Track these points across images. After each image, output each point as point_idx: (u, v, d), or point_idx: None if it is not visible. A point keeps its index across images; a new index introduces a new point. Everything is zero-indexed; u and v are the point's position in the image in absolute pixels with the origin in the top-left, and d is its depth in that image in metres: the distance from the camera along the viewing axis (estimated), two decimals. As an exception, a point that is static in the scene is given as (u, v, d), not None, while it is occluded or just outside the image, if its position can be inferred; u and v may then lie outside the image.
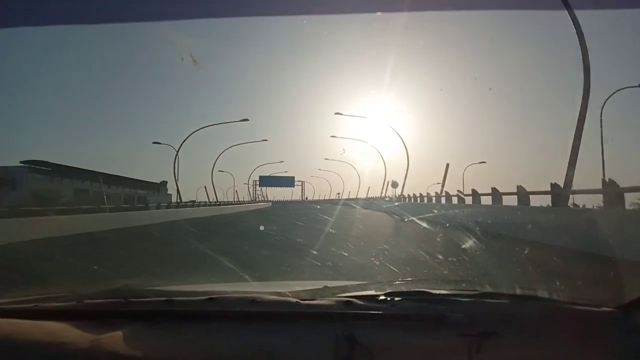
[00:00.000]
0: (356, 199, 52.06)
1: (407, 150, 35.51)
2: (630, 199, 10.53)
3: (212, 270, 5.77)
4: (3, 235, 10.73)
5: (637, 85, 24.86)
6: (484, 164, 46.67)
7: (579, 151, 11.22)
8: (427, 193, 26.42)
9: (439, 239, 9.70)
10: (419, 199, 27.67)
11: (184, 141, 35.83)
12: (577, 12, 11.09)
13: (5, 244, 10.23)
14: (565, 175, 11.01)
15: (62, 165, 40.56)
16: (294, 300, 1.12)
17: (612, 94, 25.13)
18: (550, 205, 10.87)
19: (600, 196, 10.08)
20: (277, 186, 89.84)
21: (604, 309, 1.06)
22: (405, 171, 36.70)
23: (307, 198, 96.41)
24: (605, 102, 24.59)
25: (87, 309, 1.15)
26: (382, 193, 44.19)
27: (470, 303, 1.10)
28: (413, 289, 1.24)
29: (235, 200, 60.46)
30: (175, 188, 38.68)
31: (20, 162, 38.33)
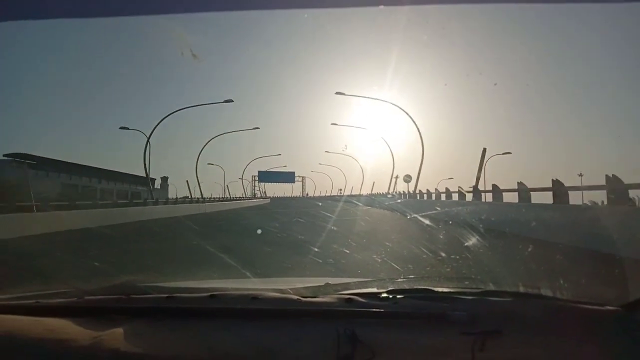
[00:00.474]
0: (359, 196, 49.97)
1: (421, 136, 30.87)
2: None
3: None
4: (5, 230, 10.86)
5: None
6: (509, 154, 42.80)
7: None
8: (436, 189, 25.18)
9: (441, 236, 9.71)
10: (418, 195, 27.26)
11: (155, 126, 31.06)
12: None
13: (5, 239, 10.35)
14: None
15: (47, 158, 38.56)
16: (296, 297, 1.12)
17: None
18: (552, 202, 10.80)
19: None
20: (277, 182, 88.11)
21: (608, 307, 1.05)
22: (415, 163, 33.40)
23: (307, 194, 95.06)
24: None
25: (88, 305, 1.15)
26: (390, 188, 40.70)
27: (473, 301, 1.09)
28: (415, 287, 1.23)
29: (224, 197, 53.46)
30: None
31: (3, 155, 36.66)
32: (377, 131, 48.29)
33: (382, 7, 1.11)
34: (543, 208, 10.45)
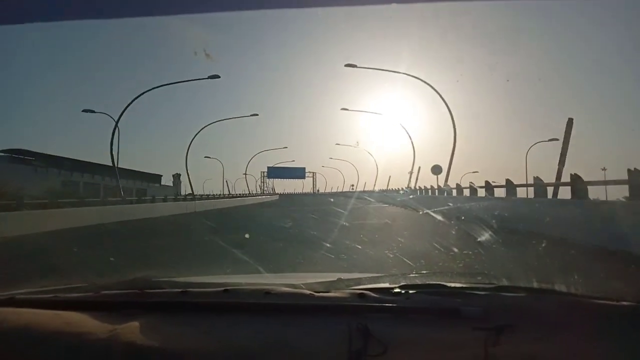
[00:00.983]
0: (372, 192, 46.56)
1: (453, 120, 25.67)
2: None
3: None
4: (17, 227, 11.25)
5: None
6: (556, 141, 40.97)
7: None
8: (446, 184, 24.27)
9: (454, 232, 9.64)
10: (430, 191, 26.49)
11: (126, 107, 25.91)
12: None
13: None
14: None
15: (46, 154, 36.34)
16: (308, 292, 1.12)
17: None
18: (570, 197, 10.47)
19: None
20: (286, 178, 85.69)
21: (624, 303, 1.04)
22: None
23: (318, 190, 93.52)
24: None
25: (104, 300, 1.17)
26: (412, 182, 35.09)
27: (486, 296, 1.08)
28: (428, 282, 1.23)
29: (222, 193, 49.05)
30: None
31: (0, 151, 35.07)
32: (394, 117, 45.60)
33: (394, 5, 1.11)
34: (559, 204, 10.29)
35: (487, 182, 15.96)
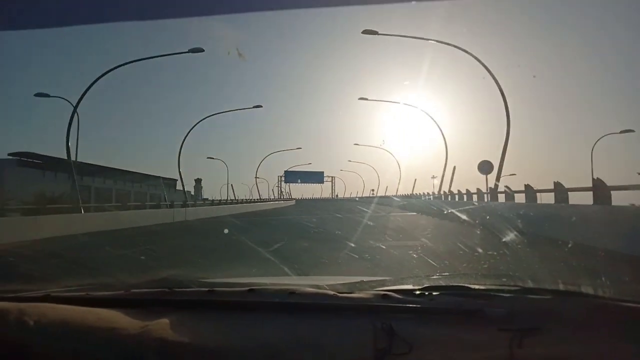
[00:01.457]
0: (394, 197, 41.64)
1: (506, 107, 18.86)
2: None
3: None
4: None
5: None
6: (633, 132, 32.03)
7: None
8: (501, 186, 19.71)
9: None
10: (457, 197, 24.08)
11: (84, 93, 19.46)
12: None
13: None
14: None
15: (55, 157, 32.57)
16: (332, 293, 1.14)
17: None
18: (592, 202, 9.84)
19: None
20: (304, 182, 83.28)
21: None
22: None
23: (337, 195, 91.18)
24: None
25: (134, 298, 1.21)
26: (438, 186, 29.84)
27: (511, 298, 1.08)
28: (451, 284, 1.23)
29: (228, 199, 44.18)
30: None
31: (8, 155, 33.78)
32: (418, 103, 33.58)
33: (414, 2, 1.11)
34: (579, 209, 9.95)
35: (527, 186, 13.68)
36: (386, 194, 50.79)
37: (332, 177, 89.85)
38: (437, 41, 20.38)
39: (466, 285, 1.17)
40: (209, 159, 51.82)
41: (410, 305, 1.06)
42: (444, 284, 1.27)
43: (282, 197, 76.00)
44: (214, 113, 32.75)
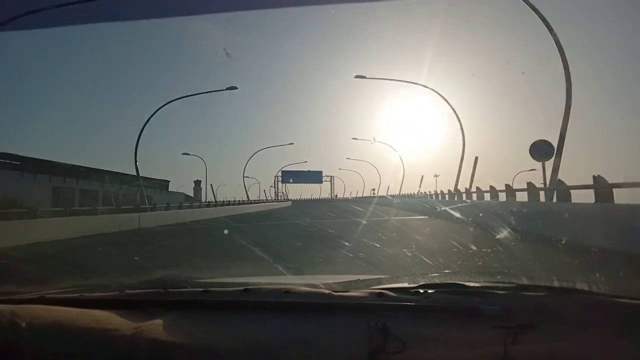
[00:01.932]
0: (395, 197, 38.29)
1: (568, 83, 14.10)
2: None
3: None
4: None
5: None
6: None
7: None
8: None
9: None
10: (447, 196, 23.31)
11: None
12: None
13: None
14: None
15: (35, 159, 32.13)
16: (327, 291, 1.13)
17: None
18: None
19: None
20: (302, 182, 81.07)
21: None
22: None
23: (336, 196, 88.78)
24: None
25: (128, 298, 1.21)
26: (463, 185, 22.50)
27: (505, 295, 1.08)
28: (446, 281, 1.23)
29: (207, 201, 40.36)
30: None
31: None
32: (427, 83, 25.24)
33: None
34: (580, 208, 9.53)
35: (529, 184, 12.78)
36: (388, 194, 47.77)
37: (331, 176, 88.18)
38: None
39: (461, 282, 1.17)
40: (184, 155, 47.12)
41: (405, 304, 1.06)
42: (438, 282, 1.27)
43: (278, 198, 73.50)
44: (179, 97, 27.94)
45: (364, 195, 70.05)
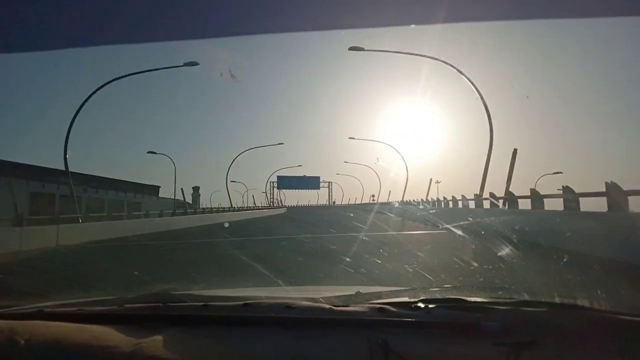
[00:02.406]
0: (392, 205, 36.00)
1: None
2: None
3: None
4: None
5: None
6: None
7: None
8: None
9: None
10: (451, 203, 21.24)
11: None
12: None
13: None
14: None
15: (9, 162, 28.61)
16: (328, 306, 1.13)
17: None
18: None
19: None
20: (299, 188, 78.07)
21: None
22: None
23: (334, 202, 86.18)
24: None
25: (128, 313, 1.20)
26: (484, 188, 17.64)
27: (507, 311, 1.07)
28: (448, 297, 1.22)
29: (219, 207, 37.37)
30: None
31: None
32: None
33: (413, 26, 1.10)
34: (591, 217, 8.49)
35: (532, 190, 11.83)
36: (389, 200, 43.95)
37: (328, 182, 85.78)
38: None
39: (462, 297, 1.16)
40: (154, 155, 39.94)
41: (407, 319, 1.05)
42: (439, 297, 1.26)
43: (273, 205, 71.30)
44: (139, 71, 20.89)
45: (362, 202, 68.07)
